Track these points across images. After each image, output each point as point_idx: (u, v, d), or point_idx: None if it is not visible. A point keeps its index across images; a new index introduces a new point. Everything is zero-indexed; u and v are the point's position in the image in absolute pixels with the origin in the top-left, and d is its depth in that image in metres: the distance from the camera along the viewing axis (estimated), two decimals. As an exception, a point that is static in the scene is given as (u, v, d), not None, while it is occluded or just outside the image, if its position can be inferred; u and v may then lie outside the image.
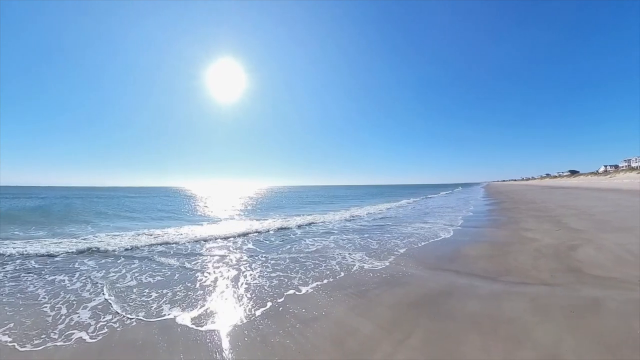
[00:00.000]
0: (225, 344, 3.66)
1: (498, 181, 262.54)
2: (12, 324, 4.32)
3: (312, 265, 7.01)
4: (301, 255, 8.17)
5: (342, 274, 6.34)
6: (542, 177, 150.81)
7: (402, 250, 8.25)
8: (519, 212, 16.11)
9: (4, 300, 5.27)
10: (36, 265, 7.44)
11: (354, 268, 6.70)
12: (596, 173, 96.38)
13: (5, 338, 3.94)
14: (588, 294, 4.51)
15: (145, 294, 5.47)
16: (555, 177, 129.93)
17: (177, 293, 5.46)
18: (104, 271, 6.92)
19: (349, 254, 8.11)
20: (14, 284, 6.11)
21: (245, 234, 12.18)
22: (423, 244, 9.13)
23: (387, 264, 6.95)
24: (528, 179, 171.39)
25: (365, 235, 11.04)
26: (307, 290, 5.40)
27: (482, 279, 5.46)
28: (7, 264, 7.57)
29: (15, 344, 3.80)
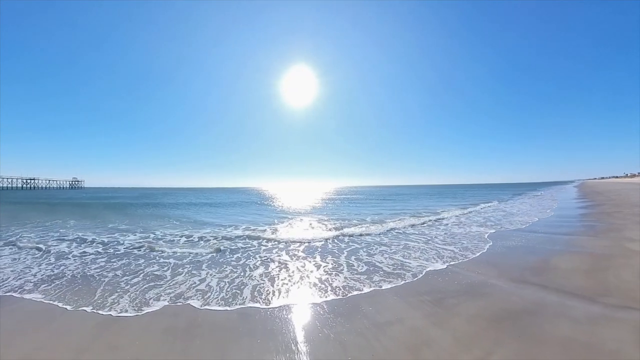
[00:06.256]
0: (300, 337, 3.88)
1: (595, 179, 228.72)
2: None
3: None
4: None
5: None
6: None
7: (478, 256, 7.90)
8: (622, 217, 13.79)
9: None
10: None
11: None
12: None
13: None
14: None
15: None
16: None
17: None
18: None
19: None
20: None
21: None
22: (504, 250, 8.54)
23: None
24: (634, 176, 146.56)
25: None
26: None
27: (576, 298, 4.85)
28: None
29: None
